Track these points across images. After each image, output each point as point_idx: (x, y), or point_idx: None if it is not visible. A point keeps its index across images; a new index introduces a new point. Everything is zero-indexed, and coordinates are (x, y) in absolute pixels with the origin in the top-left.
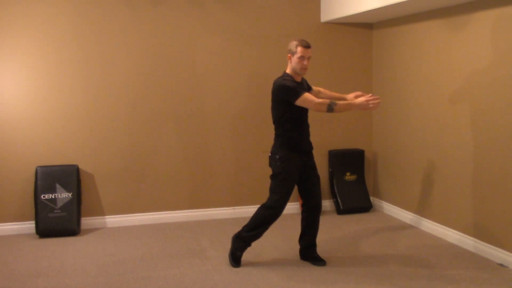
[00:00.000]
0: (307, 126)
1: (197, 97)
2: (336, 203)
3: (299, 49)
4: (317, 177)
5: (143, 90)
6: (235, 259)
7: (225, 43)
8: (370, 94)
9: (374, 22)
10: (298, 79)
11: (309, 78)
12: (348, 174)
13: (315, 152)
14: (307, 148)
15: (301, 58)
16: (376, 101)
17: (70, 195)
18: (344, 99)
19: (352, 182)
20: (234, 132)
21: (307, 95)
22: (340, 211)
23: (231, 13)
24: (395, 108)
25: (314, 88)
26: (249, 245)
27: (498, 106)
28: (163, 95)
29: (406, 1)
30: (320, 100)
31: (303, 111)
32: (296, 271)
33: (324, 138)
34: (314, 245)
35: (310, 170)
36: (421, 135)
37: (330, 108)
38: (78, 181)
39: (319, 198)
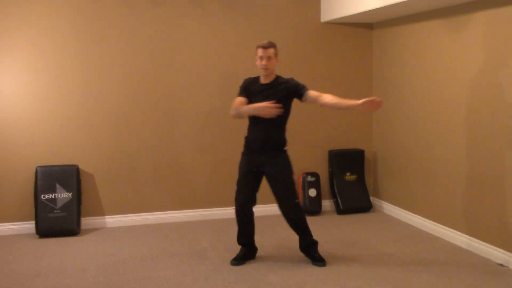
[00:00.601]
0: (265, 126)
1: (197, 96)
2: (336, 203)
3: (259, 50)
4: (278, 181)
5: (143, 89)
6: (235, 257)
7: (225, 43)
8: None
9: (374, 22)
10: (265, 80)
11: (309, 78)
12: (348, 174)
13: (315, 152)
14: (259, 145)
15: (260, 58)
16: (269, 108)
17: (70, 195)
18: (353, 105)
19: (352, 182)
20: (235, 132)
21: (236, 99)
22: (340, 211)
23: (231, 13)
24: (395, 108)
25: (311, 93)
26: (240, 242)
27: (498, 105)
28: (164, 95)
29: (406, 1)
30: (234, 106)
31: None
32: (296, 271)
33: (324, 138)
34: (312, 243)
35: (268, 172)
36: (421, 135)
37: (237, 113)
38: (78, 181)
39: (283, 203)
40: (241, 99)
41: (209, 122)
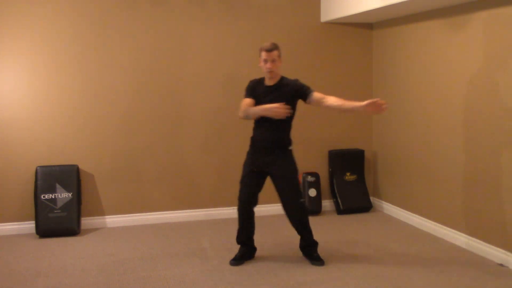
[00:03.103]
0: (269, 125)
1: (197, 97)
2: (336, 203)
3: (262, 53)
4: (284, 181)
5: (143, 89)
6: (234, 257)
7: (225, 43)
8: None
9: (374, 22)
10: (270, 82)
11: (309, 78)
12: (348, 174)
13: (315, 152)
14: (264, 146)
15: (264, 61)
16: (278, 109)
17: (70, 195)
18: (356, 106)
19: (352, 182)
20: (235, 132)
21: (244, 100)
22: (340, 211)
23: (231, 13)
24: (395, 108)
25: (316, 95)
26: (239, 241)
27: (497, 105)
28: (163, 95)
29: (406, 1)
30: (243, 108)
31: None
32: (296, 271)
33: (324, 138)
34: (311, 244)
35: (273, 172)
36: (421, 135)
37: (246, 114)
38: (78, 181)
39: (287, 203)
40: (248, 101)
41: (210, 122)
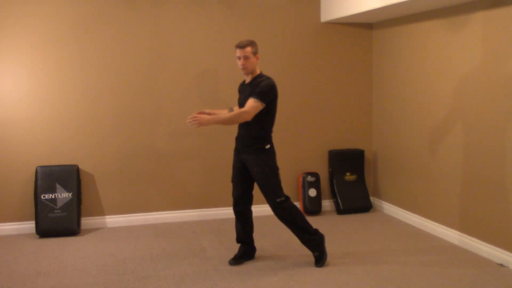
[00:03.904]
0: (242, 126)
1: (197, 96)
2: (336, 203)
3: (236, 50)
4: (256, 180)
5: (143, 89)
6: (233, 257)
7: (225, 43)
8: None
9: (374, 22)
10: (247, 80)
11: (309, 78)
12: (348, 174)
13: (315, 152)
14: (240, 143)
15: (238, 58)
16: (193, 120)
17: (70, 195)
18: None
19: (352, 182)
20: (235, 133)
21: None
22: (340, 211)
23: (231, 13)
24: (395, 108)
25: (247, 102)
26: (238, 240)
27: (497, 105)
28: (163, 95)
29: (406, 1)
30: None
31: None
32: (296, 271)
33: (324, 138)
34: (306, 241)
35: (249, 170)
36: (421, 135)
37: None
38: (78, 181)
39: (267, 201)
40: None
41: None
